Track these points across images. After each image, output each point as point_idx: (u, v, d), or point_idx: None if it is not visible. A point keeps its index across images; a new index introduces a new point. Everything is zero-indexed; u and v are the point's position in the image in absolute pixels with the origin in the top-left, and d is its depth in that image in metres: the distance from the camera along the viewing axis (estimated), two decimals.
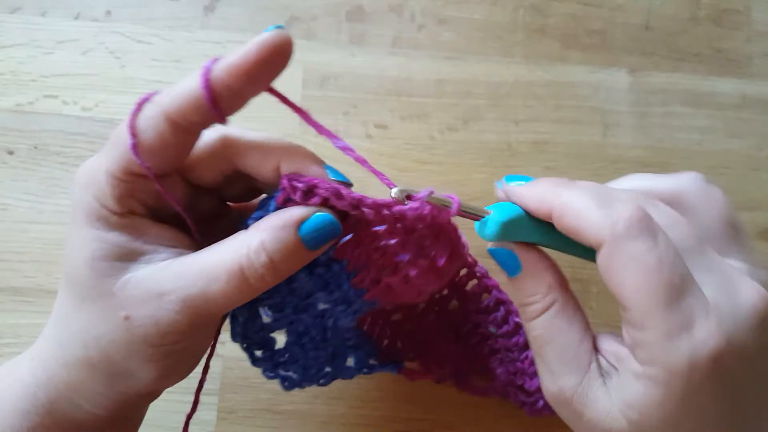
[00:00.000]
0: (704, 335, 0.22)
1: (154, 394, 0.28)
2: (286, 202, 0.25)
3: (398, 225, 0.27)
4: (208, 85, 0.22)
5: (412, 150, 0.44)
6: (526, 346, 0.37)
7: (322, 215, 0.25)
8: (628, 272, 0.22)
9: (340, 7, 0.46)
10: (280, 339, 0.32)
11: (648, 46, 0.48)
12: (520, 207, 0.27)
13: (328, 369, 0.35)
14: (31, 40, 0.44)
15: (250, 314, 0.29)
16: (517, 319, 0.37)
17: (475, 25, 0.47)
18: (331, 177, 0.26)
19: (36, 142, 0.42)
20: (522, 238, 0.27)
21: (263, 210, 0.26)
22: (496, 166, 0.45)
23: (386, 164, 0.44)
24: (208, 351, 0.29)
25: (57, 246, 0.41)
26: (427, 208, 0.26)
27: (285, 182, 0.25)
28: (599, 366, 0.25)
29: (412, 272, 0.28)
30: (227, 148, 0.26)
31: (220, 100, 0.23)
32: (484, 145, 0.45)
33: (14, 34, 0.44)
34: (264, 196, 0.28)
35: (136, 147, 0.23)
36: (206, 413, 0.39)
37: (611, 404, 0.24)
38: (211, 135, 0.26)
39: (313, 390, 0.39)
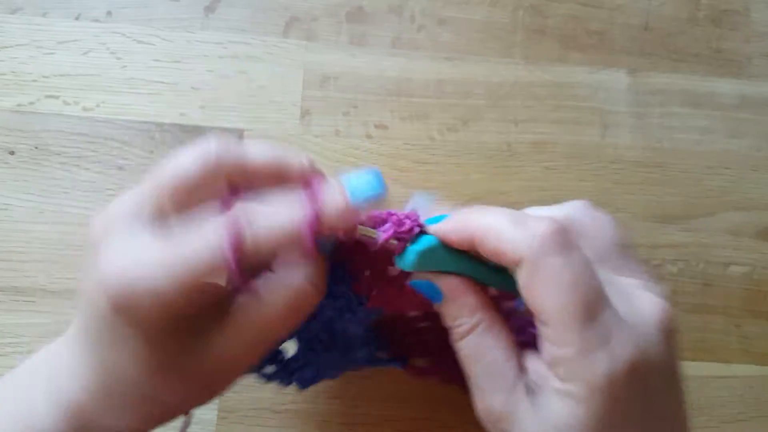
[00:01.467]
0: (620, 347, 0.22)
1: None
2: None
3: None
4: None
5: (411, 150, 0.45)
6: None
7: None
8: (547, 289, 0.23)
9: (340, 8, 0.46)
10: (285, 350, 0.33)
11: (647, 46, 0.48)
12: (442, 241, 0.26)
13: (338, 366, 0.36)
14: (32, 40, 0.44)
15: None
16: (533, 331, 0.37)
17: (475, 26, 0.47)
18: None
19: (37, 143, 0.42)
20: (442, 268, 0.27)
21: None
22: (495, 166, 0.45)
23: (386, 164, 0.44)
24: None
25: (58, 246, 0.41)
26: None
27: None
28: (526, 385, 0.25)
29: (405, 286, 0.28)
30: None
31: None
32: (483, 145, 0.45)
33: (15, 35, 0.44)
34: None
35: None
36: (206, 413, 0.39)
37: (537, 424, 0.24)
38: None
39: (313, 389, 0.39)
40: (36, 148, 0.42)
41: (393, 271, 0.28)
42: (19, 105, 0.43)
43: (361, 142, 0.44)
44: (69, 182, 0.42)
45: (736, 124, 0.47)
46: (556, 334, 0.23)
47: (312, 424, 0.40)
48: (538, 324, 0.24)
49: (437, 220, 0.27)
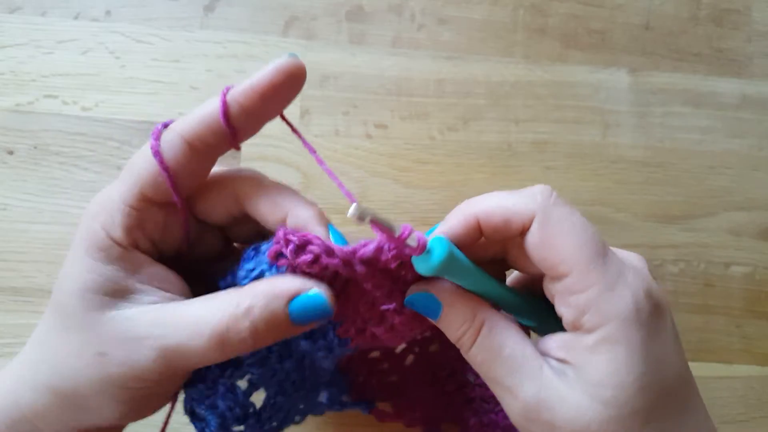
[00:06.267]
0: (633, 278, 0.24)
1: (114, 430, 0.28)
2: (278, 257, 0.25)
3: (385, 275, 0.26)
4: (225, 104, 0.24)
5: (412, 150, 0.44)
6: None
7: (317, 296, 0.24)
8: (562, 234, 0.24)
9: (340, 7, 0.46)
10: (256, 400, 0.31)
11: (648, 45, 0.48)
12: (451, 240, 0.25)
13: (301, 406, 0.34)
14: (31, 39, 0.44)
15: (228, 395, 0.29)
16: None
17: (475, 25, 0.47)
18: (333, 240, 0.25)
19: (36, 142, 0.42)
20: (458, 274, 0.25)
21: (254, 261, 0.25)
22: (496, 166, 0.45)
23: (386, 164, 0.44)
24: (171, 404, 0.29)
25: (57, 246, 0.41)
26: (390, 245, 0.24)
27: (280, 234, 0.24)
28: (551, 368, 0.24)
29: (397, 320, 0.27)
30: (238, 189, 0.26)
31: (235, 122, 0.24)
32: (484, 145, 0.45)
33: (14, 34, 0.44)
34: (253, 246, 0.26)
35: (163, 162, 0.24)
36: None
37: (579, 396, 0.23)
38: (224, 173, 0.27)
39: None
40: (35, 147, 0.42)
41: (386, 309, 0.27)
42: (17, 105, 0.43)
43: (361, 141, 0.44)
44: (68, 182, 0.42)
45: (737, 123, 0.47)
46: (579, 276, 0.23)
47: (311, 425, 0.39)
48: (554, 286, 0.24)
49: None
